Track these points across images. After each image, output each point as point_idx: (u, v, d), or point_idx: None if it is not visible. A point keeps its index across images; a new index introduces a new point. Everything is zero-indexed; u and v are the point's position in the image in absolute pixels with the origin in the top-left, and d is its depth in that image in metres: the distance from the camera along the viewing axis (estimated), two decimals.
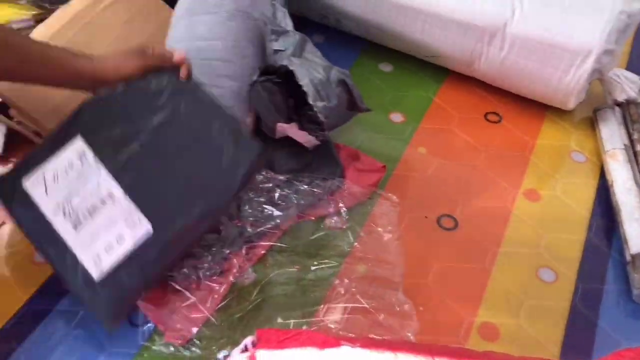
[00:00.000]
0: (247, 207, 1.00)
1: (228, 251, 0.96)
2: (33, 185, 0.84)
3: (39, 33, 1.08)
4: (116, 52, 0.88)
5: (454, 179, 1.13)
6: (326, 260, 0.97)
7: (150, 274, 0.84)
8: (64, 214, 0.82)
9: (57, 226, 0.82)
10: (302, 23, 1.32)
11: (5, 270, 0.96)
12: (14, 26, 1.22)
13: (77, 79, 0.84)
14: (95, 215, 0.82)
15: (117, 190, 0.83)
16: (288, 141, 1.08)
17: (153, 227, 0.82)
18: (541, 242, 1.03)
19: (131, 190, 0.83)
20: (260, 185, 1.02)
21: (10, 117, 1.10)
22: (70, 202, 0.82)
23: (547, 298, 0.95)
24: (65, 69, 0.83)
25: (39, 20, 1.20)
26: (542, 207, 1.09)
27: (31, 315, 0.90)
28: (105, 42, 1.11)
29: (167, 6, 1.20)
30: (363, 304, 0.91)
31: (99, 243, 0.81)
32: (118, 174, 0.84)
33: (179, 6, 1.13)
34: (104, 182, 0.83)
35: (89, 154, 0.84)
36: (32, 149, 0.90)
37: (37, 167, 0.85)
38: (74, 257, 0.81)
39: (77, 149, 0.85)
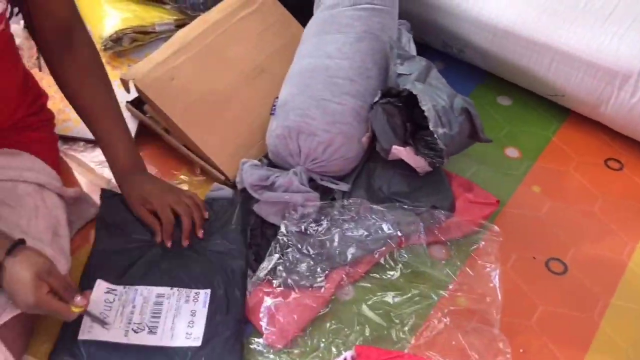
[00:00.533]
0: (346, 228, 1.02)
1: (329, 266, 0.98)
2: (90, 334, 0.86)
3: (181, 36, 1.17)
4: (145, 187, 1.00)
5: (567, 222, 1.09)
6: (425, 290, 0.96)
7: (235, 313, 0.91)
8: (136, 331, 0.87)
9: (137, 342, 0.86)
10: (423, 49, 1.35)
11: None
12: (157, 29, 1.33)
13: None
14: (162, 315, 0.89)
15: (162, 289, 0.92)
16: (400, 164, 1.09)
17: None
18: None
19: (172, 284, 0.93)
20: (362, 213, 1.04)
21: (144, 112, 1.19)
22: (133, 321, 0.88)
23: None
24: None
25: (180, 25, 1.30)
26: None
27: None
28: (239, 50, 1.18)
29: (297, 23, 1.26)
30: (458, 337, 0.90)
31: (179, 328, 0.88)
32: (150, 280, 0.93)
33: (311, 24, 1.18)
34: (146, 291, 0.92)
35: (114, 286, 0.92)
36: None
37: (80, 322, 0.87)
38: (168, 349, 0.86)
39: (101, 289, 0.91)
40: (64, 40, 0.96)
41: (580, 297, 0.98)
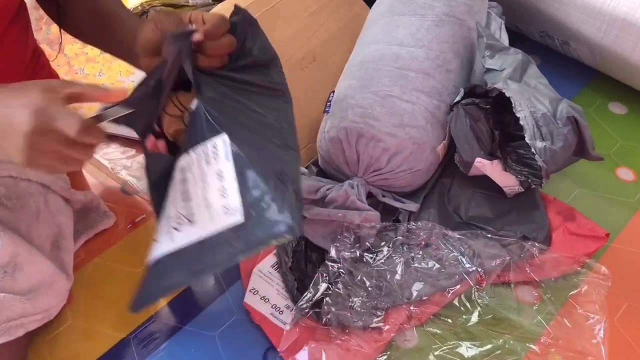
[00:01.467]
0: (412, 258, 1.01)
1: (388, 303, 0.97)
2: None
3: (220, 11, 1.17)
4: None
5: None
6: (509, 341, 0.94)
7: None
8: (178, 229, 0.82)
9: (184, 242, 0.78)
10: (516, 39, 1.32)
11: (139, 275, 1.03)
12: (191, 2, 1.35)
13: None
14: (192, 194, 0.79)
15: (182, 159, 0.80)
16: (482, 182, 1.07)
17: None
18: None
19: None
20: (434, 241, 1.03)
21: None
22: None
23: None
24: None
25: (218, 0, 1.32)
26: None
27: (158, 328, 0.97)
28: (287, 32, 1.19)
29: (362, 1, 1.25)
30: None
31: (213, 202, 0.76)
32: None
33: (379, 2, 1.17)
34: None
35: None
36: None
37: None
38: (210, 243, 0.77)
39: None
40: None
41: None
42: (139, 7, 1.33)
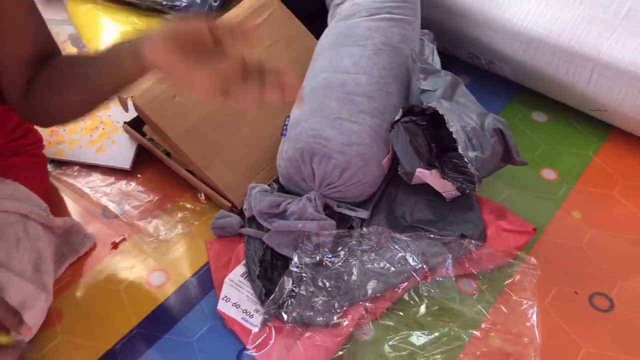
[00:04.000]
0: (366, 259, 1.01)
1: (347, 301, 0.97)
2: None
3: None
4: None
5: (613, 252, 1.07)
6: (454, 329, 0.95)
7: None
8: None
9: None
10: (447, 61, 1.34)
11: (121, 292, 1.03)
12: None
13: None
14: None
15: None
16: (424, 189, 1.09)
17: None
18: None
19: None
20: (384, 243, 1.03)
21: (143, 134, 1.20)
22: None
23: None
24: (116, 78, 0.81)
25: None
26: None
27: (141, 338, 0.96)
28: None
29: (311, 35, 1.26)
30: None
31: None
32: None
33: (325, 36, 1.18)
34: None
35: None
36: None
37: None
38: None
39: None
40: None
41: (630, 337, 0.95)
42: None
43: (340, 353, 0.92)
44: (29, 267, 0.91)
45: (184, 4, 1.34)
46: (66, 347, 0.95)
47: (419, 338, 0.94)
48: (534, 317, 0.95)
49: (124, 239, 1.10)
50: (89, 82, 0.83)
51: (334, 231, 1.03)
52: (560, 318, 0.98)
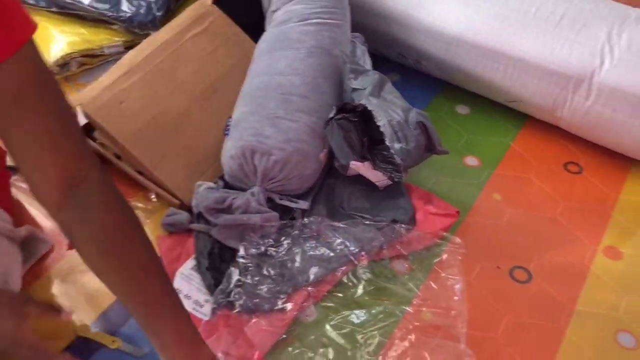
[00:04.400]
0: (308, 247, 1.01)
1: (291, 287, 0.97)
2: None
3: (130, 57, 1.15)
4: None
5: (529, 229, 1.10)
6: (389, 306, 0.96)
7: None
8: None
9: None
10: (378, 61, 1.35)
11: (78, 291, 1.00)
12: (106, 51, 1.31)
13: None
14: None
15: None
16: (359, 180, 1.09)
17: None
18: (621, 304, 0.99)
19: None
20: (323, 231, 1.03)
21: (94, 139, 1.16)
22: None
23: None
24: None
25: (129, 46, 1.28)
26: (624, 267, 1.04)
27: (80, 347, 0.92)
28: (189, 70, 1.17)
29: (250, 40, 1.25)
30: (424, 354, 0.90)
31: None
32: None
33: (262, 41, 1.17)
34: None
35: None
36: None
37: None
38: None
39: None
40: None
41: (545, 305, 0.98)
42: (60, 60, 1.27)
43: (285, 336, 0.91)
44: None
45: (127, 14, 1.31)
46: None
47: (357, 317, 0.94)
48: (461, 292, 0.97)
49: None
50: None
51: (277, 222, 1.03)
52: (484, 291, 1.00)
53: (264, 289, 0.96)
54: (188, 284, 0.98)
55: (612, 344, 0.93)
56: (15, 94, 0.61)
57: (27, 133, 0.63)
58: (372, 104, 1.02)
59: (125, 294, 0.68)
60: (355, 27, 1.26)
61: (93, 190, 0.67)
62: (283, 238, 1.02)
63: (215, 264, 1.00)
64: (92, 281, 0.98)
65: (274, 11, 1.21)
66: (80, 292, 0.99)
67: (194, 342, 0.68)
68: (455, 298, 0.96)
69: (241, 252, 0.99)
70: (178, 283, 0.98)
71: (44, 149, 0.64)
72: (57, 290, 1.00)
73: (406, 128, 0.99)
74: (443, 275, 1.00)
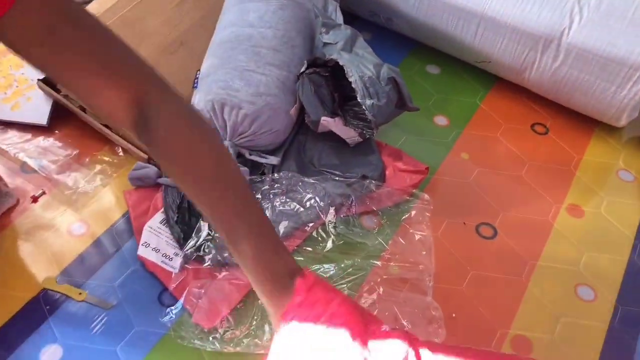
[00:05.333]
0: (278, 202, 1.00)
1: None
2: None
3: (93, 9, 1.10)
4: None
5: (495, 187, 1.11)
6: (358, 260, 0.96)
7: None
8: None
9: None
10: (350, 19, 1.33)
11: (43, 243, 0.97)
12: None
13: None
14: None
15: None
16: (329, 136, 1.08)
17: None
18: (581, 260, 1.01)
19: None
20: (293, 187, 1.02)
21: (58, 91, 1.12)
22: None
23: (584, 317, 0.93)
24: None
25: None
26: (585, 224, 1.07)
27: (47, 298, 0.91)
28: (156, 22, 1.13)
29: None
30: (392, 306, 0.90)
31: None
32: None
33: None
34: None
35: None
36: None
37: None
38: None
39: None
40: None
41: (509, 259, 1.00)
42: None
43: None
44: None
45: None
46: None
47: (326, 271, 0.94)
48: (429, 247, 0.97)
49: (43, 193, 1.04)
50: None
51: (247, 177, 1.01)
52: (451, 246, 1.01)
53: None
54: (157, 237, 0.96)
55: (572, 296, 0.96)
56: (48, 24, 0.56)
57: (74, 64, 0.60)
58: (343, 58, 1.00)
59: (207, 205, 0.65)
60: None
61: (164, 108, 0.64)
62: (253, 193, 1.01)
63: (184, 218, 0.99)
64: (56, 235, 0.97)
65: None
66: (45, 246, 0.97)
67: (276, 251, 0.65)
68: (423, 253, 0.97)
69: None
70: (146, 236, 0.96)
71: (98, 75, 0.60)
72: (22, 242, 0.97)
73: (377, 84, 0.98)
74: (411, 231, 1.00)
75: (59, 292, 0.90)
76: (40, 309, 0.89)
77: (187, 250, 0.93)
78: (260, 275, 0.64)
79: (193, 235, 0.94)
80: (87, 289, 0.91)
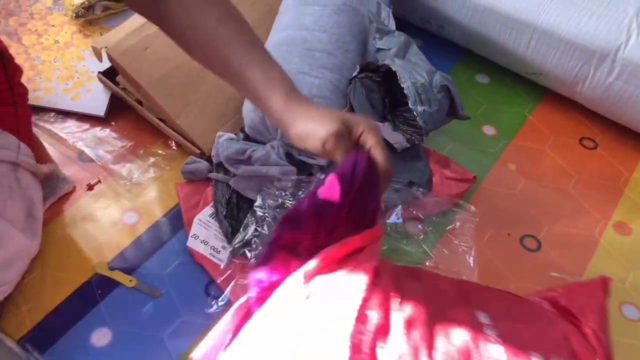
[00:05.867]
0: None
1: None
2: None
3: None
4: (316, 112, 0.72)
5: (541, 200, 1.10)
6: (400, 264, 0.96)
7: None
8: None
9: None
10: (402, 25, 1.33)
11: (97, 229, 1.01)
12: None
13: (264, 110, 0.76)
14: None
15: None
16: None
17: None
18: (627, 278, 0.99)
19: None
20: None
21: (116, 84, 1.16)
22: None
23: (628, 336, 0.92)
24: (253, 93, 0.75)
25: None
26: (632, 242, 1.05)
27: (99, 283, 0.94)
28: None
29: None
30: None
31: None
32: None
33: None
34: None
35: None
36: None
37: None
38: None
39: None
40: None
41: (552, 272, 0.99)
42: (85, 2, 1.26)
43: None
44: (22, 215, 0.88)
45: None
46: (44, 279, 0.93)
47: None
48: (471, 260, 0.97)
49: (98, 182, 1.07)
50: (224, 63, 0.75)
51: (295, 177, 1.02)
52: (494, 257, 1.00)
53: None
54: (206, 230, 0.99)
55: (617, 315, 0.94)
56: None
57: None
58: (396, 64, 1.01)
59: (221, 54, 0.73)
60: None
61: None
62: (300, 192, 1.02)
63: (233, 213, 1.01)
64: (109, 223, 1.01)
65: None
66: (99, 232, 1.00)
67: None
68: (466, 264, 0.96)
69: (258, 202, 0.99)
70: (196, 229, 0.99)
71: None
72: (76, 228, 1.00)
73: (430, 91, 0.98)
74: (455, 242, 0.99)
75: (110, 278, 0.93)
76: (92, 293, 0.92)
77: (235, 244, 0.95)
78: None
79: (241, 230, 0.96)
80: (137, 276, 0.94)
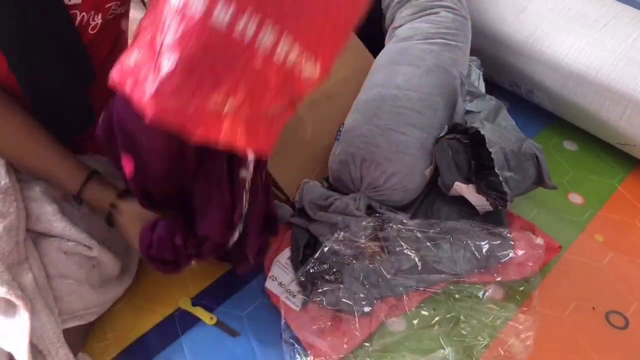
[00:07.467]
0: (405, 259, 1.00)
1: (380, 293, 0.96)
2: None
3: None
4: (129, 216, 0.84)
5: (630, 275, 1.04)
6: (478, 330, 0.93)
7: None
8: None
9: None
10: (490, 87, 1.32)
11: None
12: None
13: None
14: None
15: None
16: (459, 201, 1.07)
17: None
18: None
19: None
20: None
21: None
22: None
23: None
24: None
25: None
26: None
27: (182, 317, 0.96)
28: None
29: (368, 52, 1.26)
30: None
31: None
32: None
33: (382, 54, 1.18)
34: None
35: None
36: None
37: None
38: None
39: None
40: None
41: None
42: None
43: (367, 344, 0.91)
44: (122, 247, 0.93)
45: None
46: (130, 309, 0.96)
47: (444, 334, 0.92)
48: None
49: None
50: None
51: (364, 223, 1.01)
52: (577, 331, 0.95)
53: (351, 290, 0.95)
54: (283, 273, 0.99)
55: None
56: None
57: None
58: (485, 128, 1.00)
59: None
60: (472, 51, 1.24)
61: None
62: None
63: (309, 258, 1.01)
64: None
65: (397, 27, 1.21)
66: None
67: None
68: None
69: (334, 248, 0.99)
70: (274, 270, 1.00)
71: None
72: None
73: (518, 158, 0.97)
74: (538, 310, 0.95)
75: (192, 314, 0.95)
76: (174, 327, 0.94)
77: (307, 290, 0.95)
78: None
79: (314, 274, 0.96)
80: (217, 314, 0.95)
